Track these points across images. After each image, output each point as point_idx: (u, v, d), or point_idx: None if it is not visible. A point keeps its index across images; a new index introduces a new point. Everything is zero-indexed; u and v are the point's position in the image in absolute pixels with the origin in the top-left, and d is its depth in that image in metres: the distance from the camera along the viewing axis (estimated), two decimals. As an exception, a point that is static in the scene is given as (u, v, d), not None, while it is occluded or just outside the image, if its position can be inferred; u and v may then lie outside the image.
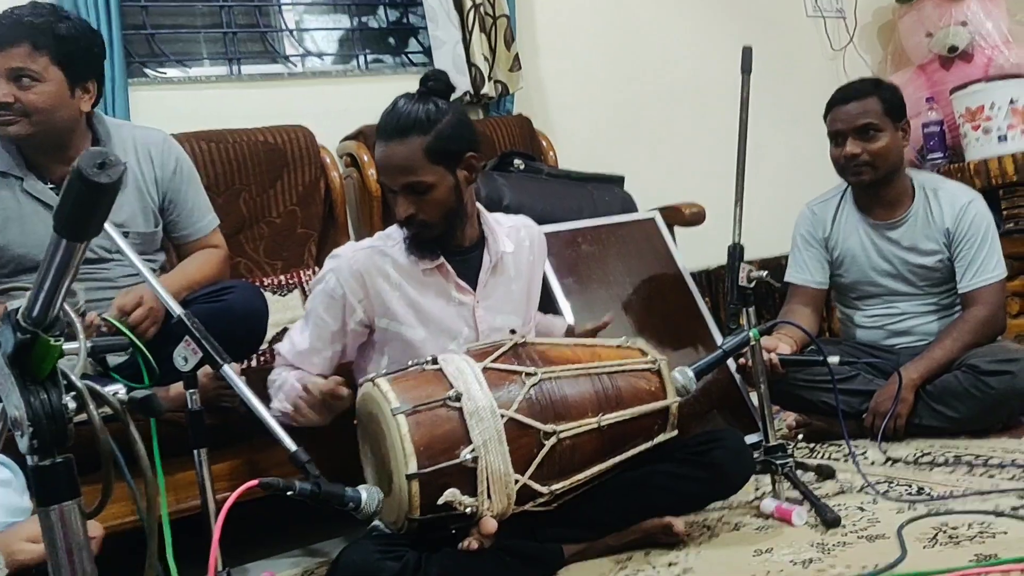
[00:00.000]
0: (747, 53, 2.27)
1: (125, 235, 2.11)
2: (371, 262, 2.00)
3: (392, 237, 2.05)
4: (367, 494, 1.68)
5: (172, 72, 3.19)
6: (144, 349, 1.83)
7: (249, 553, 2.32)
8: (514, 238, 2.13)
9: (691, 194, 3.17)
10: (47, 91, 2.09)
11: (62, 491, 0.76)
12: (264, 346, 2.41)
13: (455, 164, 1.96)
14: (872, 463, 2.35)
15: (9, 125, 2.09)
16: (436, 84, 1.98)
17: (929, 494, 2.02)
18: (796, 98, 3.99)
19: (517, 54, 3.46)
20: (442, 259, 2.01)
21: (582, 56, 3.81)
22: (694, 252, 3.16)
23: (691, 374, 1.97)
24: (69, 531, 0.74)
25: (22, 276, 2.17)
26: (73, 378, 0.73)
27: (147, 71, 3.14)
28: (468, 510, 1.72)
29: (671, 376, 1.92)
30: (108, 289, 2.20)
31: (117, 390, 0.81)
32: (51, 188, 2.18)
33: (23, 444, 0.72)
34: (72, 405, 0.73)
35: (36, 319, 0.74)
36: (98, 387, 0.77)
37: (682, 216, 3.04)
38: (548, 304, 2.34)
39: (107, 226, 1.94)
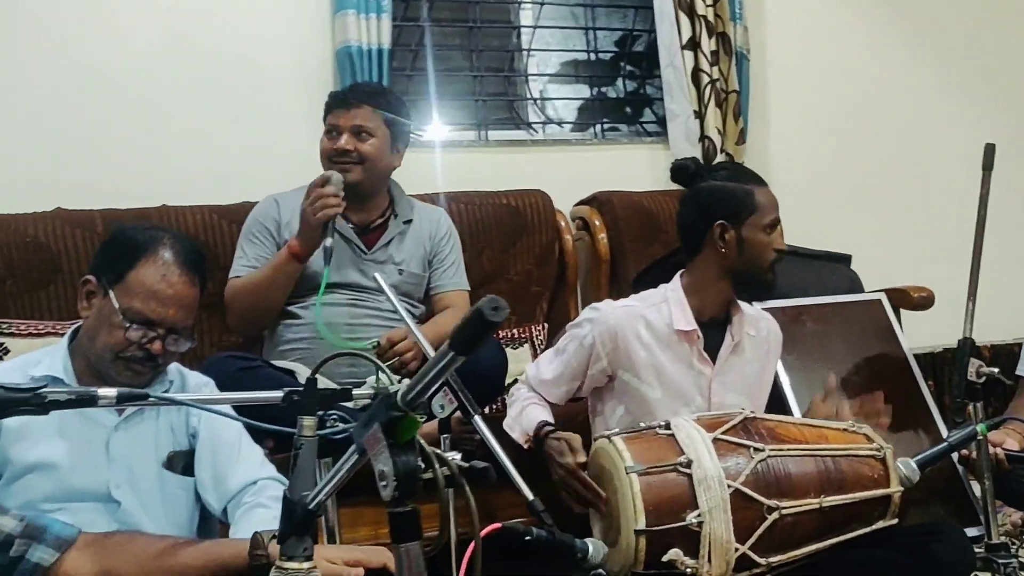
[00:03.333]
0: (989, 151, 2.25)
1: (400, 272, 2.61)
2: (627, 320, 2.17)
3: (648, 300, 2.23)
4: (593, 547, 1.82)
5: (428, 136, 3.51)
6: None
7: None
8: (754, 326, 2.25)
9: (919, 274, 3.15)
10: (377, 144, 2.60)
11: (412, 533, 0.98)
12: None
13: None
14: (1105, 571, 2.27)
15: (347, 172, 2.55)
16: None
17: None
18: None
19: (743, 128, 3.56)
20: (696, 326, 2.16)
21: (810, 129, 3.84)
22: (920, 330, 3.14)
23: (915, 466, 2.00)
24: (413, 563, 0.94)
25: (305, 296, 2.57)
26: (424, 445, 0.94)
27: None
28: (688, 571, 1.83)
29: (895, 465, 1.98)
30: (374, 317, 2.61)
31: (455, 455, 1.02)
32: (351, 227, 2.64)
33: (386, 493, 0.93)
34: (422, 466, 0.94)
35: (409, 402, 0.95)
36: (442, 453, 0.98)
37: (910, 299, 3.04)
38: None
39: (379, 276, 2.30)
